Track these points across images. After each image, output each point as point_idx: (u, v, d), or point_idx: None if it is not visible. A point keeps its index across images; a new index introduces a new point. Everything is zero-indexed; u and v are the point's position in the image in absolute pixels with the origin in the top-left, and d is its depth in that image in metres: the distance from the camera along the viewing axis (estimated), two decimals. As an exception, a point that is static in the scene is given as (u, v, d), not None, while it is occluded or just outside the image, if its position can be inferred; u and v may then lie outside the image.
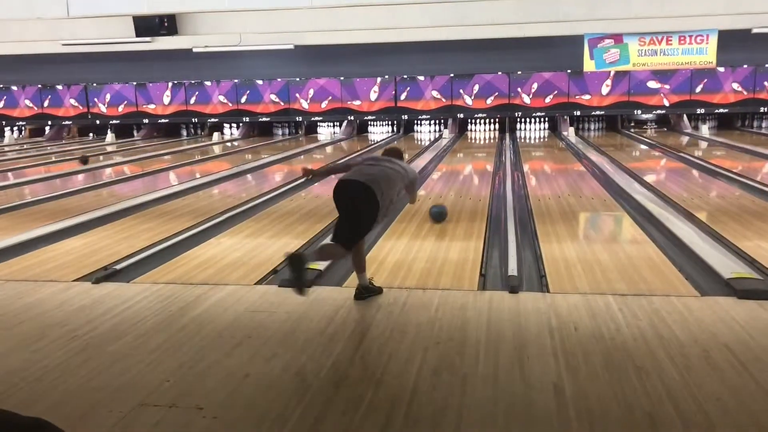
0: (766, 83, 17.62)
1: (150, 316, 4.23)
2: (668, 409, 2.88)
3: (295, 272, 4.03)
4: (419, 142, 18.15)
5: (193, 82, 20.30)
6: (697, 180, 10.30)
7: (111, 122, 20.97)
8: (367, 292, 4.45)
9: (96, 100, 20.90)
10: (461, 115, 19.20)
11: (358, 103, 19.52)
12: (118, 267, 5.43)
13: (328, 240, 4.62)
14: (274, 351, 3.61)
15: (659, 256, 5.49)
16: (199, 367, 3.44)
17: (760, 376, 3.16)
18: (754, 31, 15.45)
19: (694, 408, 2.87)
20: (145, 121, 20.94)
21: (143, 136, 21.17)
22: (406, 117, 19.57)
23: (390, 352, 3.58)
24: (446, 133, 18.82)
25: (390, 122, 20.38)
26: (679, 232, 6.30)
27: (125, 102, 20.74)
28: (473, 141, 18.35)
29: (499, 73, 18.68)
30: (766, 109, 17.94)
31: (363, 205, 4.20)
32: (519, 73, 18.60)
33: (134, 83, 20.58)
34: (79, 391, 3.20)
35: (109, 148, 18.42)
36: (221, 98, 20.24)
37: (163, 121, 20.82)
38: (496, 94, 18.73)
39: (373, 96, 19.41)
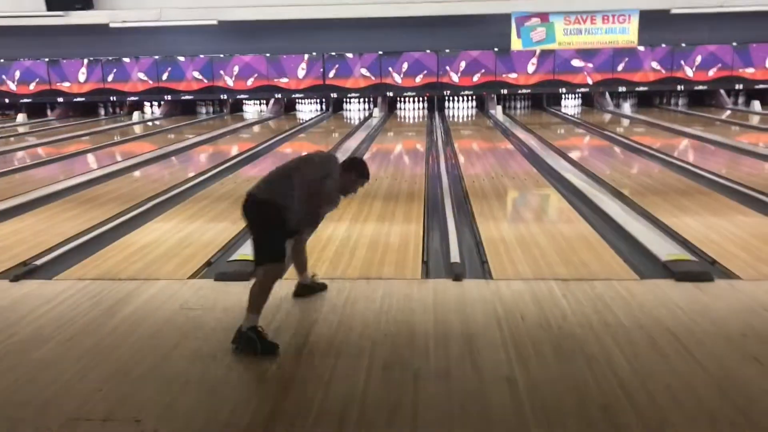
0: (682, 62, 18.25)
1: (77, 317, 3.95)
2: (621, 399, 2.88)
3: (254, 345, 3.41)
4: (349, 121, 17.94)
5: (110, 58, 19.32)
6: (621, 157, 10.56)
7: (21, 101, 19.77)
8: (309, 291, 4.28)
9: (4, 77, 19.63)
10: (390, 94, 19.07)
11: (285, 80, 19.08)
12: (38, 262, 5.07)
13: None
14: (214, 353, 3.42)
15: (595, 237, 5.56)
16: (134, 373, 3.22)
17: (704, 360, 3.21)
18: (673, 11, 15.94)
19: (646, 398, 2.88)
20: (60, 99, 19.84)
21: (58, 115, 20.07)
22: (335, 95, 19.27)
23: (338, 349, 3.46)
24: (376, 111, 18.68)
25: (318, 100, 20.04)
26: (611, 211, 6.41)
27: (37, 80, 19.56)
28: (403, 120, 18.28)
29: (428, 51, 18.61)
30: (682, 87, 18.59)
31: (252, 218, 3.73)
32: (447, 51, 18.58)
33: (46, 59, 19.43)
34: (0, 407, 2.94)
35: (21, 129, 17.39)
36: (141, 75, 19.37)
37: (79, 99, 19.76)
38: (425, 72, 18.67)
39: (300, 73, 19.01)
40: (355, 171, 3.94)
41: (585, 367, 3.17)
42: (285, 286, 4.41)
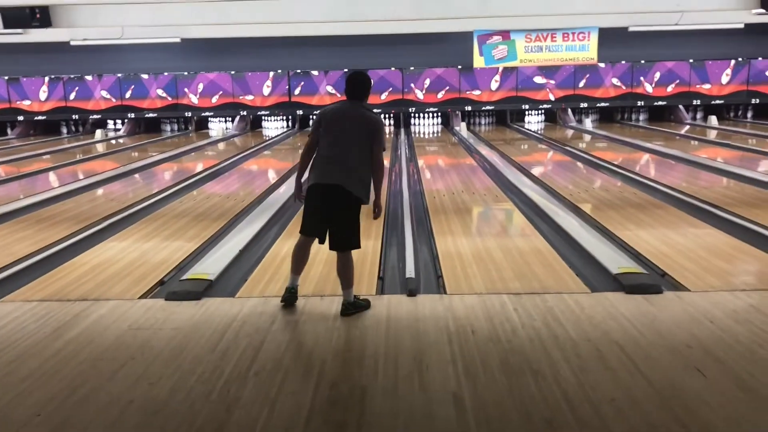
0: (642, 78, 18.64)
1: (21, 339, 3.86)
2: (565, 413, 2.89)
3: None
4: (314, 138, 17.90)
5: (72, 76, 19.10)
6: (582, 172, 10.71)
7: (-20, 120, 19.42)
8: (295, 299, 4.29)
9: (-38, 95, 19.27)
10: (356, 110, 19.11)
11: (250, 97, 19.03)
12: (-15, 284, 4.96)
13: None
14: (161, 373, 3.36)
15: (549, 251, 5.62)
16: (76, 395, 3.15)
17: (650, 373, 3.25)
18: (631, 29, 16.29)
19: (590, 411, 2.90)
20: (20, 118, 19.52)
21: (18, 134, 19.73)
22: (301, 112, 19.28)
23: (286, 367, 3.43)
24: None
25: (284, 117, 20.02)
26: (567, 225, 6.49)
27: (-5, 98, 19.25)
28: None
29: (393, 68, 18.75)
30: (642, 103, 18.97)
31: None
32: (412, 68, 18.74)
33: (5, 77, 19.12)
34: (-66, 434, 2.85)
35: (-21, 148, 17.03)
36: (104, 93, 19.18)
37: (40, 118, 19.48)
38: (390, 89, 18.79)
39: (266, 90, 18.98)
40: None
41: (531, 380, 3.19)
42: (238, 304, 4.38)
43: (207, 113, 19.44)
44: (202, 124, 20.24)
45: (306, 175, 4.35)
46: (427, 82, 18.74)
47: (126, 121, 19.81)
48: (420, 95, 18.81)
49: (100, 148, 16.63)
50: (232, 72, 18.90)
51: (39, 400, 3.10)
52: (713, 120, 17.99)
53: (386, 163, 12.25)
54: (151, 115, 19.46)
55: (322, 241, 4.24)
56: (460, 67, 18.52)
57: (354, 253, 4.21)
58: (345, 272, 4.16)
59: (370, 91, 4.39)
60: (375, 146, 4.12)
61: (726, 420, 2.82)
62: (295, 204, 4.34)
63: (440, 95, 18.80)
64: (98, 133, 18.71)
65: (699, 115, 19.50)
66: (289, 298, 4.29)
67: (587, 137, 16.45)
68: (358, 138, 4.09)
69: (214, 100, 19.09)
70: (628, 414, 2.89)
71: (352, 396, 3.10)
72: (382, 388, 3.18)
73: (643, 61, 18.55)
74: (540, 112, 19.77)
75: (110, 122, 20.26)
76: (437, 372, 3.32)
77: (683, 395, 3.03)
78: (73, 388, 3.23)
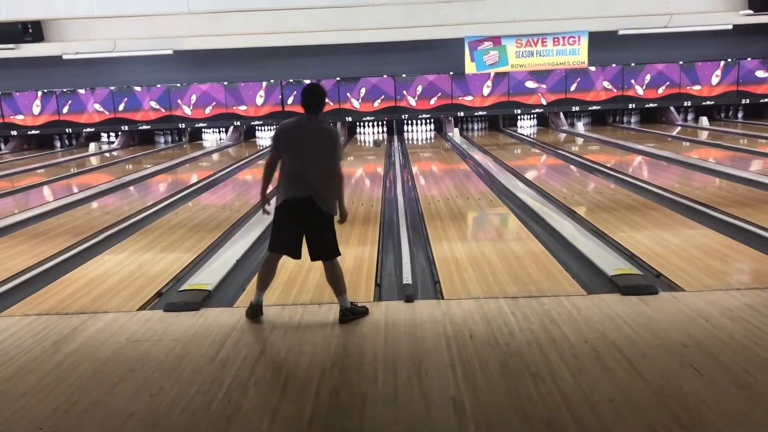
0: (633, 81, 18.74)
1: (19, 354, 3.86)
2: (564, 414, 2.91)
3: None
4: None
5: (65, 90, 19.10)
6: (576, 176, 10.76)
7: (-27, 135, 19.39)
8: (259, 313, 4.27)
9: (-46, 111, 19.25)
10: (349, 119, 19.19)
11: (243, 108, 19.06)
12: (-19, 300, 4.96)
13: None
14: (160, 385, 3.37)
15: (545, 254, 5.65)
16: (76, 409, 3.15)
17: (646, 373, 3.28)
18: (621, 32, 16.40)
19: (589, 411, 2.93)
20: (14, 132, 19.50)
21: (12, 149, 19.70)
22: (293, 121, 19.31)
23: (286, 376, 3.45)
24: (335, 136, 18.73)
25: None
26: (562, 229, 6.53)
27: (-11, 113, 19.24)
28: (362, 144, 18.39)
29: (385, 76, 18.80)
30: (634, 105, 19.08)
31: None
32: (404, 75, 18.80)
33: (-1, 92, 19.14)
34: (-64, 450, 2.86)
35: (-28, 164, 17.00)
36: (97, 106, 19.17)
37: (33, 132, 19.47)
38: (383, 96, 18.84)
39: (259, 101, 19.02)
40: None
41: (530, 383, 3.21)
42: (237, 313, 4.39)
43: (201, 124, 19.46)
44: (195, 136, 20.25)
45: (271, 191, 4.36)
46: (420, 88, 18.80)
47: (120, 133, 19.81)
48: (412, 102, 18.87)
49: (94, 161, 16.62)
50: (225, 83, 18.94)
51: (40, 415, 3.11)
52: (704, 121, 18.09)
53: (379, 170, 12.43)
54: (144, 127, 19.47)
55: (297, 256, 4.24)
56: (451, 73, 18.60)
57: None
58: (335, 280, 4.19)
59: (325, 103, 4.40)
60: (334, 159, 4.17)
61: (723, 416, 2.85)
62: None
63: (433, 102, 18.87)
64: (92, 146, 18.71)
65: (690, 117, 19.61)
66: (254, 313, 4.25)
67: (580, 140, 16.53)
68: (318, 153, 4.12)
69: (208, 111, 19.11)
70: (627, 414, 2.91)
71: (353, 403, 3.12)
72: (382, 394, 3.20)
73: (633, 64, 18.66)
74: (532, 116, 19.85)
75: (104, 135, 20.26)
76: (436, 377, 3.34)
77: (680, 393, 3.06)
78: (73, 401, 3.23)
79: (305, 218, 4.10)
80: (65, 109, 19.21)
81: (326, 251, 4.18)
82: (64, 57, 16.11)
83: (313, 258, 4.24)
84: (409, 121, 19.59)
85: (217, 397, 3.21)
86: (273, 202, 4.27)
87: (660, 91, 18.75)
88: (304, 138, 4.14)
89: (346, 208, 4.32)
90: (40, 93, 19.10)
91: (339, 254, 4.24)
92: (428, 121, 19.61)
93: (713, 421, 2.82)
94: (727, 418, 2.85)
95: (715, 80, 18.66)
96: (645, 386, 3.15)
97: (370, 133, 19.81)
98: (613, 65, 18.63)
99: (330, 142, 4.17)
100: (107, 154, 17.91)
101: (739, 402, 2.98)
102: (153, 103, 19.12)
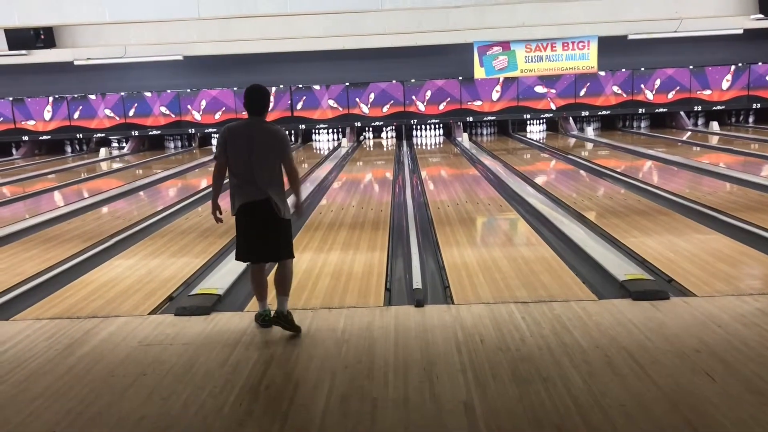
0: (642, 85, 18.69)
1: (32, 357, 3.89)
2: (575, 420, 2.91)
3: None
4: (318, 152, 18.01)
5: (76, 95, 19.24)
6: (585, 180, 10.73)
7: (-15, 140, 19.55)
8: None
9: (-33, 117, 19.41)
10: (359, 124, 19.23)
11: (253, 113, 19.14)
12: (-5, 303, 4.99)
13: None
14: (172, 388, 3.39)
15: (556, 260, 5.64)
16: (88, 412, 3.17)
17: (658, 378, 3.26)
18: (630, 37, 16.38)
19: (601, 417, 2.92)
20: (25, 138, 19.66)
21: (23, 154, 19.85)
22: (303, 126, 19.37)
23: (297, 380, 3.45)
24: (344, 141, 18.79)
25: (287, 131, 20.11)
26: (572, 234, 6.51)
27: (1, 119, 19.38)
28: (372, 149, 18.41)
29: (394, 81, 18.84)
30: (643, 110, 19.02)
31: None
32: (413, 81, 18.83)
33: (10, 98, 19.27)
34: (-50, 453, 2.88)
35: (-15, 169, 17.14)
36: (107, 112, 19.30)
37: (44, 137, 19.62)
38: (392, 102, 18.87)
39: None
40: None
41: (541, 388, 3.20)
42: (247, 318, 4.40)
43: (210, 129, 19.53)
44: (205, 141, 20.33)
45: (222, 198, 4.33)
46: (429, 94, 18.82)
47: (130, 139, 19.93)
48: (421, 107, 18.89)
49: (105, 166, 16.71)
50: (235, 88, 19.01)
51: (53, 418, 3.13)
52: (715, 125, 18.01)
53: (389, 175, 12.44)
54: (154, 132, 19.58)
55: (260, 259, 4.22)
56: (461, 78, 18.61)
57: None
58: (283, 280, 4.15)
59: (270, 104, 4.31)
60: (285, 160, 4.14)
61: (736, 423, 2.83)
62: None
63: (442, 107, 18.88)
64: (102, 152, 18.82)
65: (700, 121, 19.53)
66: (264, 323, 4.22)
67: (589, 145, 16.48)
68: (267, 155, 4.06)
69: (217, 116, 19.19)
70: (638, 419, 2.90)
71: (363, 408, 3.12)
72: (392, 399, 3.19)
73: (643, 69, 18.60)
74: (541, 121, 19.80)
75: (114, 140, 20.38)
76: (447, 382, 3.33)
77: (692, 399, 3.04)
78: (86, 404, 3.25)
79: (264, 218, 4.05)
80: (76, 115, 19.34)
81: (284, 251, 4.16)
82: (76, 63, 16.24)
83: (269, 258, 4.22)
84: (418, 126, 19.60)
85: (228, 401, 3.22)
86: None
87: (670, 95, 18.68)
88: (252, 140, 4.04)
89: (302, 202, 4.35)
90: (51, 98, 19.24)
91: (293, 256, 4.23)
92: (437, 126, 19.61)
93: (726, 427, 2.81)
94: (740, 424, 2.83)
95: (725, 85, 18.57)
96: (657, 391, 3.13)
97: (379, 138, 19.84)
98: (623, 70, 18.58)
99: (278, 143, 4.12)
100: (118, 160, 18.02)
101: (752, 408, 2.96)
102: (163, 109, 19.22)
